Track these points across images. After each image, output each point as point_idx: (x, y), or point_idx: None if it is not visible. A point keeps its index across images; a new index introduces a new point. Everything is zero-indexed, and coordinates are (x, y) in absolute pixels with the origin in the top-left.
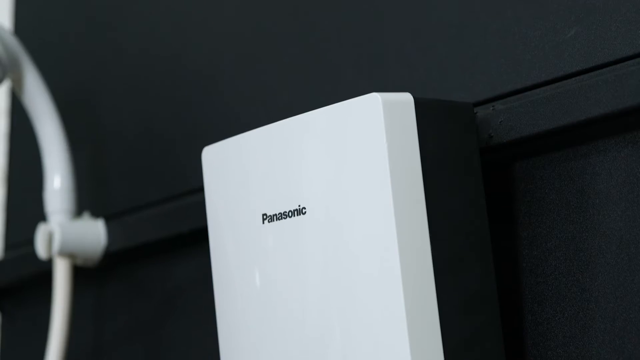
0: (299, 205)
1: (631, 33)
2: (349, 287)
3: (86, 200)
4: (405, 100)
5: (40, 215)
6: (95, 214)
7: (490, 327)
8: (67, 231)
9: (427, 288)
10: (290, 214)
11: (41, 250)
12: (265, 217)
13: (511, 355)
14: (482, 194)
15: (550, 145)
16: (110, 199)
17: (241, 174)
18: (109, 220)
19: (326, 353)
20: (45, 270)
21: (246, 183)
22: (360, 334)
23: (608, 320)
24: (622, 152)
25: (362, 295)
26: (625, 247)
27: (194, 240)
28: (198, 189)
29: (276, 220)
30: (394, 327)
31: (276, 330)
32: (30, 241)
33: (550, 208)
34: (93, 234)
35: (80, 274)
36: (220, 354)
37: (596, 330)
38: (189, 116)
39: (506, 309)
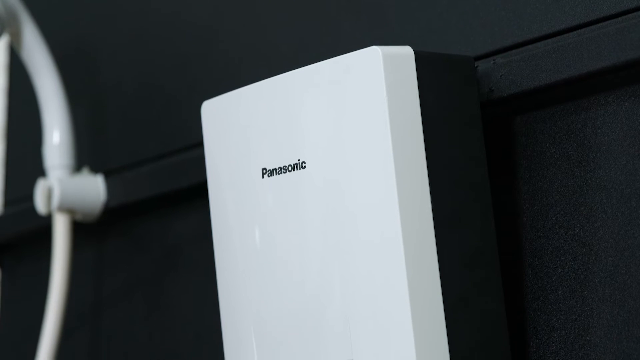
0: (299, 160)
1: None
2: (348, 241)
3: (85, 156)
4: (405, 54)
5: (39, 171)
6: (95, 170)
7: (490, 282)
8: (66, 186)
9: (427, 242)
10: (290, 168)
11: (40, 205)
12: (265, 171)
13: (511, 309)
14: (483, 148)
15: (551, 99)
16: (109, 154)
17: (241, 128)
18: (108, 176)
19: (325, 308)
20: (44, 226)
21: (246, 137)
22: (360, 289)
23: (608, 274)
24: (624, 105)
25: (362, 249)
26: (626, 200)
27: (194, 195)
28: (198, 144)
29: (276, 174)
30: (394, 281)
31: (276, 287)
32: (29, 197)
33: (551, 162)
34: (92, 189)
35: (80, 229)
36: (220, 311)
37: (596, 284)
38: (189, 71)
39: (506, 263)
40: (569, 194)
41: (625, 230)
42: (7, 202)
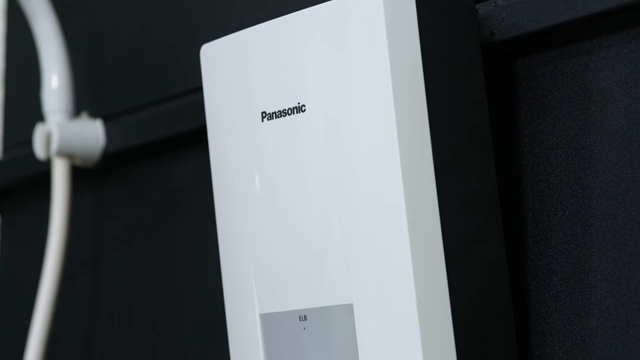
0: (298, 103)
1: None
2: (348, 185)
3: (84, 101)
4: None
5: (38, 116)
6: (94, 115)
7: (491, 226)
8: (65, 131)
9: (428, 186)
10: (289, 111)
11: (39, 150)
12: (264, 115)
13: (512, 253)
14: (484, 91)
15: (552, 42)
16: (108, 98)
17: (240, 71)
18: (107, 121)
19: (325, 252)
20: (44, 171)
21: (245, 81)
22: (360, 233)
23: (609, 217)
24: (626, 48)
25: (362, 193)
26: (628, 143)
27: (193, 140)
28: (197, 88)
29: (275, 118)
30: (394, 225)
31: (275, 231)
32: (28, 142)
33: (552, 105)
34: (91, 134)
35: (79, 174)
36: (219, 255)
37: (597, 227)
38: (188, 14)
39: (507, 207)
40: (570, 137)
41: (626, 173)
42: (6, 147)
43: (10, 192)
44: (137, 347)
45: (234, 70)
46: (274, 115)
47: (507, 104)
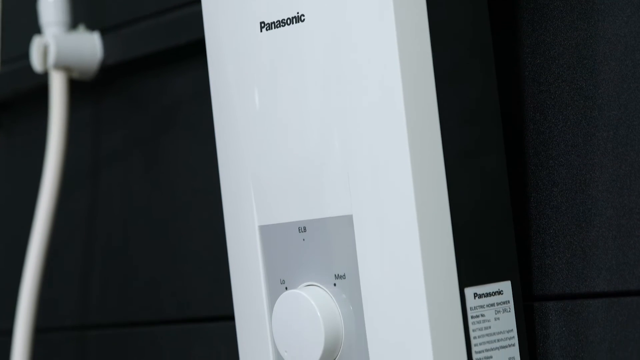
0: (297, 12)
1: None
2: (348, 96)
3: (81, 12)
4: None
5: (35, 28)
6: (91, 27)
7: (491, 137)
8: (62, 43)
9: (428, 97)
10: (288, 21)
11: (36, 63)
12: (263, 25)
13: (512, 164)
14: (484, 0)
15: None
16: (105, 10)
17: None
18: (104, 33)
19: (325, 164)
20: (41, 84)
21: None
22: (360, 145)
23: (611, 128)
24: None
25: (362, 105)
26: (630, 53)
27: (192, 52)
28: (195, 0)
29: (274, 28)
30: (394, 136)
31: (275, 143)
32: (25, 55)
33: (554, 15)
34: (89, 46)
35: (77, 88)
36: (218, 169)
37: (599, 138)
38: None
39: (507, 118)
40: (572, 47)
41: (628, 83)
42: (4, 60)
43: (8, 106)
44: (135, 261)
45: None
46: (273, 25)
47: (509, 14)
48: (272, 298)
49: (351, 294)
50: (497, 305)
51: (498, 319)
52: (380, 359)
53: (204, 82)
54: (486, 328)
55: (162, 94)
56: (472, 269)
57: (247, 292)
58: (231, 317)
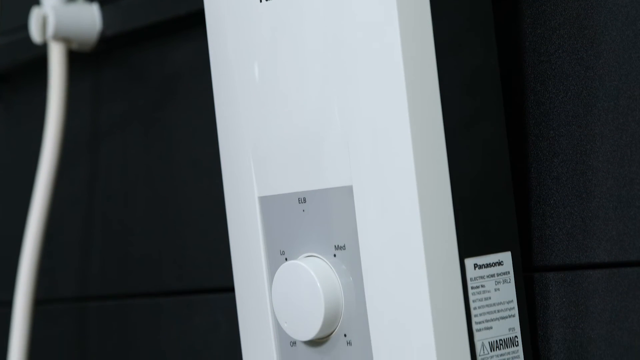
0: None
1: None
2: (348, 66)
3: None
4: None
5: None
6: None
7: (492, 107)
8: (61, 14)
9: (428, 66)
10: None
11: (35, 34)
12: None
13: (513, 134)
14: None
15: None
16: None
17: None
18: (103, 4)
19: (325, 134)
20: (40, 56)
21: None
22: (360, 115)
23: (612, 98)
24: None
25: (362, 74)
26: (631, 23)
27: (192, 23)
28: None
29: None
30: (394, 106)
31: (275, 114)
32: (24, 26)
33: None
34: (88, 17)
35: (76, 59)
36: (218, 140)
37: (599, 108)
38: None
39: (508, 88)
40: (573, 18)
41: (629, 53)
42: (2, 32)
43: (7, 77)
44: (135, 232)
45: None
46: None
47: None
48: (272, 269)
49: (351, 264)
50: (497, 276)
51: (498, 289)
52: (380, 329)
53: (204, 53)
54: (486, 299)
55: (161, 65)
56: (472, 239)
57: (247, 263)
58: (231, 289)
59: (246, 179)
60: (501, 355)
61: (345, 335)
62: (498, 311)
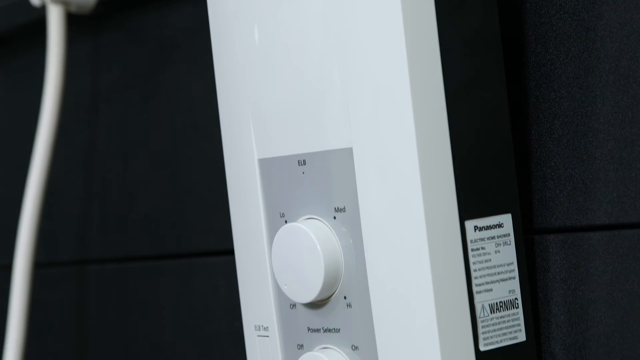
0: None
1: None
2: (348, 26)
3: None
4: None
5: None
6: None
7: (492, 68)
8: None
9: (429, 28)
10: None
11: None
12: None
13: (513, 96)
14: None
15: None
16: None
17: None
18: None
19: (325, 96)
20: (39, 18)
21: None
22: (360, 75)
23: (613, 59)
24: None
25: (362, 35)
26: None
27: None
28: None
29: None
30: (394, 66)
31: (275, 77)
32: None
33: None
34: None
35: (75, 22)
36: (218, 102)
37: (600, 70)
38: None
39: (509, 50)
40: None
41: (631, 14)
42: None
43: (5, 41)
44: (135, 195)
45: None
46: None
47: None
48: (272, 231)
49: (351, 227)
50: (497, 238)
51: (498, 251)
52: (380, 291)
53: (204, 15)
54: (486, 261)
55: (160, 27)
56: (472, 201)
57: (247, 225)
58: (231, 251)
59: (246, 142)
60: (501, 317)
61: (345, 298)
62: (498, 273)
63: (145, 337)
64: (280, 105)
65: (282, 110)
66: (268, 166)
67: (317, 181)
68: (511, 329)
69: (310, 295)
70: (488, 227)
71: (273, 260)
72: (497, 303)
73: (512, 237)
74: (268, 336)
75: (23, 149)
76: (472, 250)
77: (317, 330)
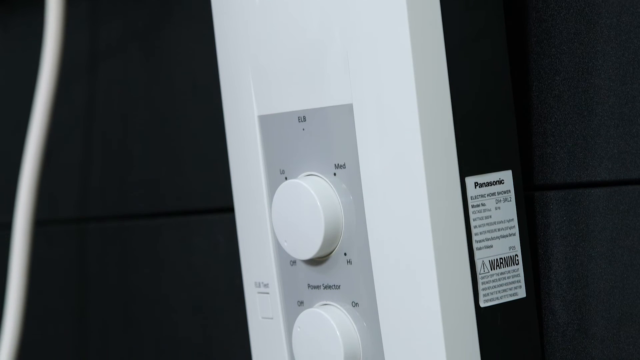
0: None
1: None
2: None
3: None
4: None
5: None
6: None
7: (493, 24)
8: None
9: None
10: None
11: None
12: None
13: (514, 53)
14: None
15: None
16: None
17: None
18: None
19: (325, 51)
20: None
21: None
22: (361, 32)
23: (614, 15)
24: None
25: None
26: None
27: None
28: None
29: None
30: (394, 22)
31: (275, 32)
32: None
33: None
34: None
35: None
36: (218, 59)
37: (602, 25)
38: None
39: (509, 5)
40: None
41: None
42: None
43: None
44: (135, 153)
45: None
46: None
47: None
48: (272, 188)
49: (351, 183)
50: (497, 195)
51: (499, 208)
52: (380, 248)
53: None
54: (487, 217)
55: None
56: (472, 157)
57: (247, 182)
58: (231, 209)
59: (245, 98)
60: (501, 273)
61: (345, 254)
62: (498, 230)
63: (146, 295)
64: (280, 61)
65: (282, 67)
66: (268, 123)
67: (317, 137)
68: (511, 286)
69: (311, 252)
70: (488, 184)
71: (273, 217)
72: (497, 259)
73: (512, 194)
74: (268, 293)
75: (23, 106)
76: (473, 206)
77: (317, 287)
